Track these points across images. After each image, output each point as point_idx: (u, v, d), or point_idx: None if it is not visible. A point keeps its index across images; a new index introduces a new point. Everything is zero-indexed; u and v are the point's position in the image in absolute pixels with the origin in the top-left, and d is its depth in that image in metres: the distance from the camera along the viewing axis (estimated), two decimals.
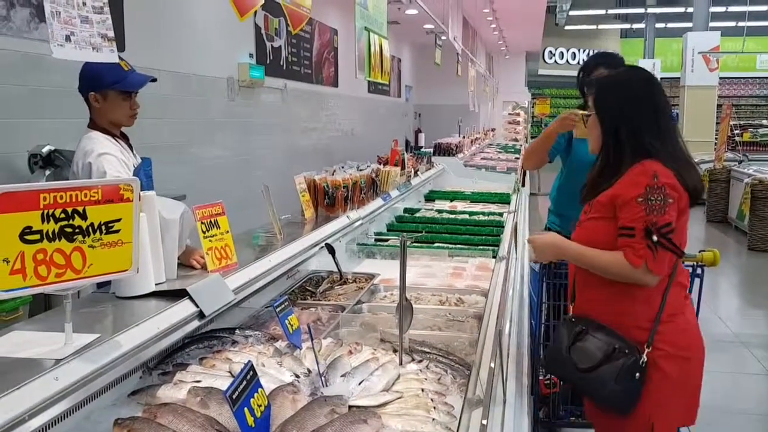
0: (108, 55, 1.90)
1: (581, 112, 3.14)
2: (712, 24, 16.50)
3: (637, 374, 2.09)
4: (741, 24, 16.60)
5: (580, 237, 2.27)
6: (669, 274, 2.15)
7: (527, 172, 8.74)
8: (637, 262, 2.06)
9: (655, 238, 2.04)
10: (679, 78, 15.78)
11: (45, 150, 3.93)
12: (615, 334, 2.15)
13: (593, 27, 24.58)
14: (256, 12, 3.22)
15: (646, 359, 2.09)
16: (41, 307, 3.10)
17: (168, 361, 1.87)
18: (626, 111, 2.19)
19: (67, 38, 1.74)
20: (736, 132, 17.62)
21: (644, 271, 2.07)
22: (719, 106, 15.28)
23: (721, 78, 17.17)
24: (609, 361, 2.13)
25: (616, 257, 2.11)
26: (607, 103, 2.25)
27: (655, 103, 2.19)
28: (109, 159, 2.73)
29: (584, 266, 2.25)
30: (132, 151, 2.96)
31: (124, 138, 2.95)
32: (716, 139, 13.33)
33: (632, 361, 2.10)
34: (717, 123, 14.48)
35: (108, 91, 2.80)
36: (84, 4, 1.80)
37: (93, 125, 2.85)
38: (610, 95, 2.26)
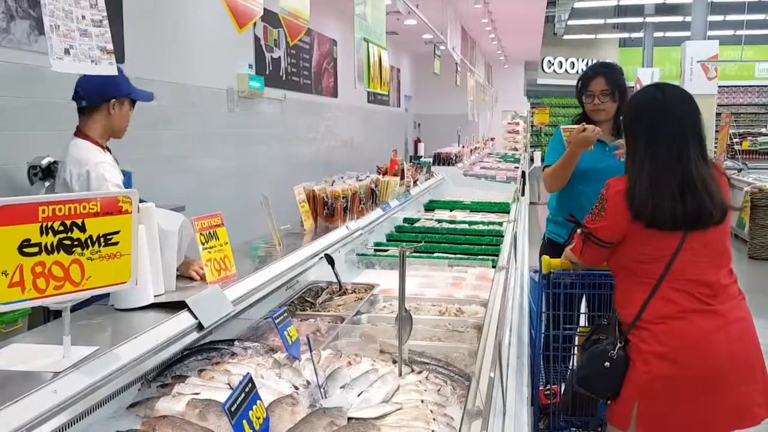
0: (107, 67, 1.91)
1: (594, 127, 3.15)
2: (710, 33, 16.54)
3: (607, 363, 2.32)
4: (739, 33, 16.66)
5: None
6: (653, 285, 2.33)
7: (527, 181, 8.74)
8: (575, 248, 2.65)
9: (579, 230, 2.57)
10: None
11: (44, 162, 3.94)
12: (615, 326, 2.42)
13: (592, 36, 24.67)
14: (255, 23, 3.23)
15: (616, 354, 2.32)
16: (40, 318, 3.10)
17: (167, 373, 1.87)
18: (637, 132, 2.46)
19: (67, 51, 1.75)
20: (735, 140, 17.65)
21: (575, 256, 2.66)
22: (718, 114, 15.29)
23: (719, 86, 17.17)
24: (595, 344, 2.42)
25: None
26: (628, 120, 2.55)
27: (657, 132, 2.40)
28: (107, 167, 2.75)
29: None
30: (117, 164, 2.98)
31: (109, 151, 2.98)
32: (715, 147, 13.33)
33: (600, 350, 2.36)
34: (716, 131, 14.49)
35: (125, 100, 2.86)
36: (83, 17, 1.81)
37: (82, 135, 2.86)
38: (631, 113, 2.53)
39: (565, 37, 23.10)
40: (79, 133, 2.88)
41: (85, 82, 2.82)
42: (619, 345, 2.34)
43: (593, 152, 3.27)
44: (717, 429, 2.34)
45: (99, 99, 2.84)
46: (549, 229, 3.62)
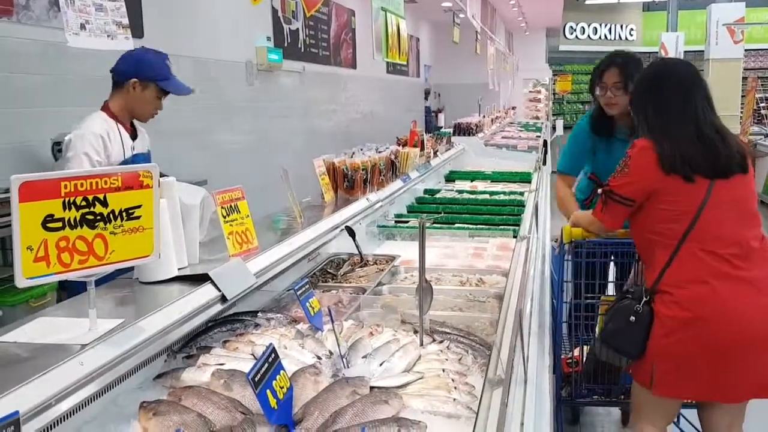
0: (123, 42, 1.92)
1: None
2: None
3: (632, 318, 2.33)
4: None
5: None
6: (675, 246, 2.32)
7: (548, 150, 8.64)
8: (596, 208, 2.62)
9: (600, 191, 2.57)
10: (703, 51, 15.44)
11: (67, 137, 3.97)
12: (642, 290, 2.41)
13: (615, 1, 24.12)
14: None
15: (641, 309, 2.33)
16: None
17: (192, 344, 1.90)
18: (642, 99, 2.56)
19: (82, 26, 1.75)
20: (762, 105, 17.27)
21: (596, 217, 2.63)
22: (744, 79, 14.96)
23: (746, 50, 16.77)
24: (620, 300, 2.45)
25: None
26: (635, 92, 2.63)
27: (661, 91, 2.49)
28: (86, 136, 2.79)
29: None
30: (133, 141, 3.00)
31: (132, 128, 3.00)
32: (742, 112, 13.07)
33: (625, 304, 2.38)
34: (742, 96, 14.19)
35: (150, 84, 2.86)
36: None
37: (105, 107, 2.89)
38: (636, 84, 2.65)
39: (588, 2, 22.60)
40: (104, 106, 2.91)
41: (125, 57, 2.84)
42: (644, 299, 2.34)
43: (617, 150, 3.18)
44: (735, 397, 2.35)
45: (123, 75, 2.86)
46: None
